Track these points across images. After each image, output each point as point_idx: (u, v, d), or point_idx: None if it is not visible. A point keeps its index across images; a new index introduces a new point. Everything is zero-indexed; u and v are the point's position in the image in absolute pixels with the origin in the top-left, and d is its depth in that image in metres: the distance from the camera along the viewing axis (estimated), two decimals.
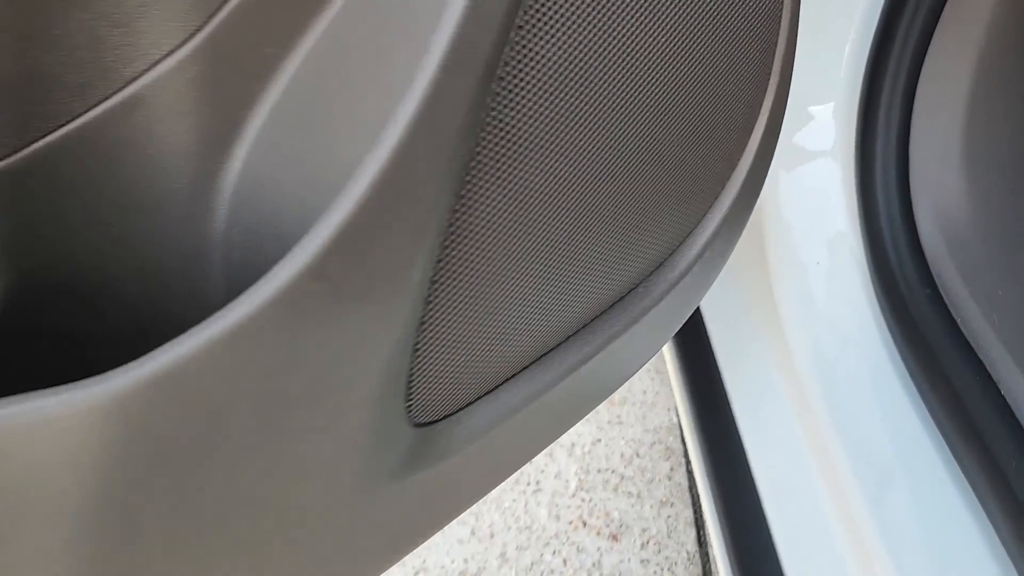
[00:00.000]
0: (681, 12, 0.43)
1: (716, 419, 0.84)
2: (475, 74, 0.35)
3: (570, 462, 1.25)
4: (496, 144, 0.38)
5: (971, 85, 0.77)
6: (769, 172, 0.83)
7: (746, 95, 0.52)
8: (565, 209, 0.43)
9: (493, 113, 0.37)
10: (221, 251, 0.43)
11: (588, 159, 0.42)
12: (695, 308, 0.64)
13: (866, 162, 0.77)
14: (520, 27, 0.36)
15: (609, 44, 0.40)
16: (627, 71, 0.42)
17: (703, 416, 0.85)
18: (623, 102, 0.43)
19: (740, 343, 0.84)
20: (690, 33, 0.45)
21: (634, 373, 0.62)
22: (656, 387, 1.36)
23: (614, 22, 0.40)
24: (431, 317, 0.39)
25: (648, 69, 0.43)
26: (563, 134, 0.40)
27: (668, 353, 0.94)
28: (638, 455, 1.26)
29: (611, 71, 0.41)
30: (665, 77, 0.44)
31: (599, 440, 1.28)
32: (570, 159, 0.41)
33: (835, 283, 0.77)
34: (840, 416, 0.71)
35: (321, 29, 0.38)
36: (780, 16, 0.52)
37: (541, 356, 0.51)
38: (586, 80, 0.40)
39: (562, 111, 0.39)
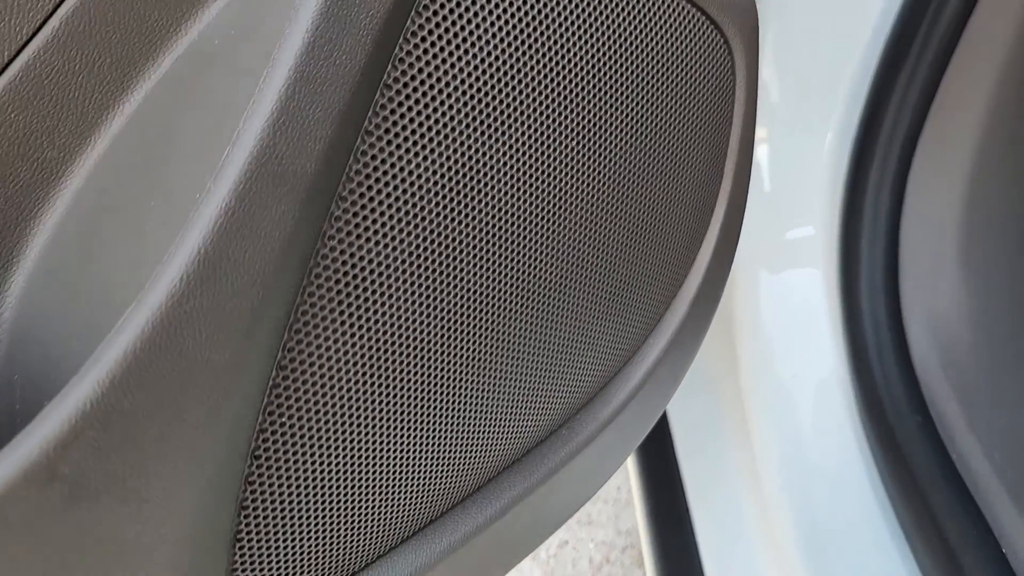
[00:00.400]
0: (592, 113, 0.34)
1: (680, 555, 0.74)
2: (294, 198, 0.26)
3: (533, 567, 1.14)
4: (336, 281, 0.29)
5: (968, 179, 0.68)
6: (749, 272, 0.74)
7: (690, 204, 0.43)
8: (442, 358, 0.34)
9: (330, 243, 0.28)
10: (5, 398, 0.33)
11: (471, 292, 0.33)
12: (640, 442, 0.54)
13: (850, 264, 0.68)
14: (360, 158, 0.28)
15: (503, 162, 0.32)
16: (533, 179, 0.34)
17: (666, 550, 0.75)
18: (523, 221, 0.34)
19: (709, 467, 0.75)
20: (612, 142, 0.36)
21: (571, 515, 0.52)
22: (632, 484, 1.25)
23: (513, 129, 0.32)
24: (247, 528, 0.30)
25: (554, 181, 0.35)
26: (428, 264, 0.31)
27: (631, 465, 0.84)
28: (608, 561, 1.15)
29: (509, 183, 0.33)
30: (575, 194, 0.35)
31: (566, 542, 1.17)
32: (438, 294, 0.32)
33: (814, 405, 0.67)
34: (819, 567, 0.61)
35: (116, 130, 0.30)
36: (731, 111, 0.43)
37: (437, 518, 0.41)
38: (460, 202, 0.31)
39: (425, 232, 0.31)
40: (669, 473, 0.79)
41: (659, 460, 0.80)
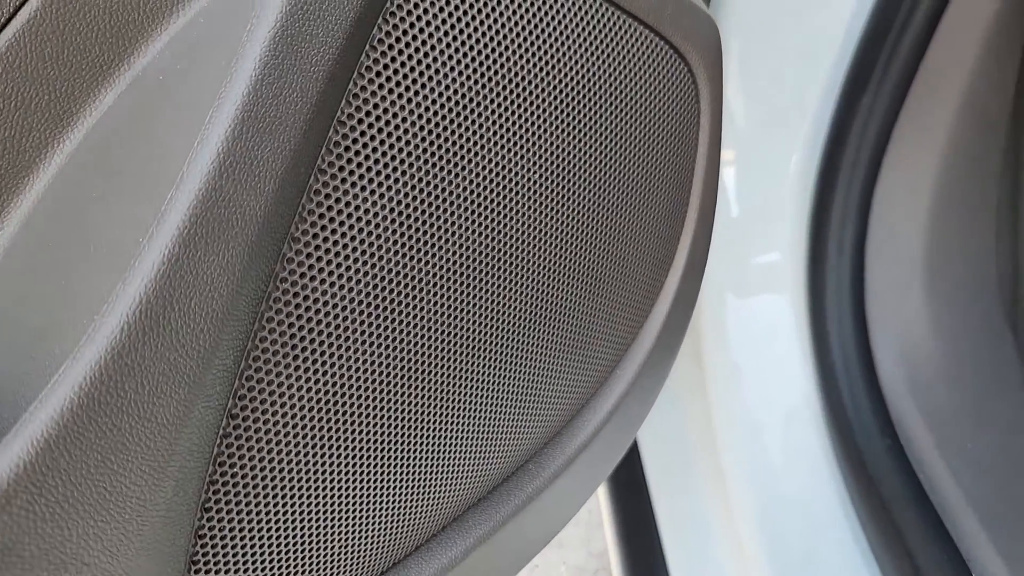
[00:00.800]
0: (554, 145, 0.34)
1: (648, 566, 0.73)
2: (242, 242, 0.25)
3: None
4: (288, 325, 0.28)
5: (931, 205, 0.69)
6: (717, 297, 0.74)
7: (655, 233, 0.42)
8: (399, 399, 0.32)
9: (283, 285, 0.27)
10: None
11: (428, 330, 0.32)
12: (609, 473, 0.53)
13: (816, 289, 0.68)
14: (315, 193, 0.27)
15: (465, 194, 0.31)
16: (489, 217, 0.33)
17: (633, 560, 0.74)
18: (487, 259, 0.33)
19: (679, 491, 0.74)
20: (576, 174, 0.35)
21: (534, 554, 0.51)
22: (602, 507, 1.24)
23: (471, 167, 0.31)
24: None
25: (514, 216, 0.34)
26: (381, 303, 0.30)
27: (601, 488, 0.83)
28: None
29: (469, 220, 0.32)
30: (538, 228, 0.34)
31: (536, 566, 1.15)
32: (395, 333, 0.31)
33: (784, 429, 0.67)
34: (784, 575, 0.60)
35: (55, 170, 0.28)
36: (696, 139, 0.43)
37: (400, 560, 0.40)
38: (415, 239, 0.30)
39: (383, 271, 0.29)
40: (639, 496, 0.78)
41: (629, 484, 0.80)
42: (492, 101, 0.31)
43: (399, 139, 0.29)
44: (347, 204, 0.28)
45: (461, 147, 0.31)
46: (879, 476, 0.62)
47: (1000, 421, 0.67)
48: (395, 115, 0.29)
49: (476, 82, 0.31)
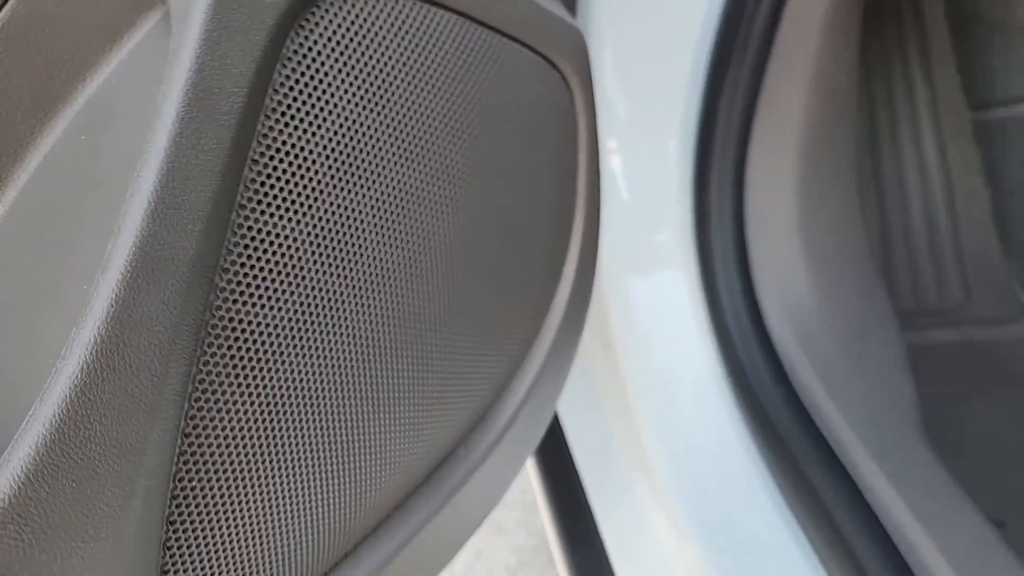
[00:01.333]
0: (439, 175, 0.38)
1: (587, 549, 0.78)
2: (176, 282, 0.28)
3: None
4: (227, 347, 0.31)
5: (797, 168, 0.76)
6: (619, 278, 0.79)
7: (547, 227, 0.47)
8: (331, 407, 0.36)
9: (218, 312, 0.31)
10: None
11: (349, 341, 0.36)
12: (535, 449, 0.58)
13: (706, 262, 0.74)
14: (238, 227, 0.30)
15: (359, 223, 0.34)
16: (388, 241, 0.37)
17: (573, 545, 0.79)
18: (389, 277, 0.37)
19: (603, 462, 0.79)
20: (463, 187, 0.39)
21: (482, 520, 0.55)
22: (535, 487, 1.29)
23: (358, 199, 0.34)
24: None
25: (411, 230, 0.38)
26: (307, 329, 0.33)
27: (532, 470, 0.88)
28: (523, 564, 1.18)
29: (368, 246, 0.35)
30: (436, 240, 0.38)
31: (480, 553, 1.20)
32: (321, 345, 0.35)
33: (692, 393, 0.72)
34: (703, 521, 0.66)
35: None
36: (575, 137, 0.47)
37: (351, 551, 0.43)
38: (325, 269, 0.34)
39: (303, 300, 0.33)
40: (568, 473, 0.83)
41: (558, 462, 0.85)
42: (381, 129, 0.35)
43: (305, 170, 0.33)
44: (266, 234, 0.32)
45: (357, 171, 0.34)
46: (777, 420, 0.69)
47: (874, 359, 0.74)
48: (300, 149, 0.32)
49: (363, 115, 0.34)
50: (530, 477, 1.02)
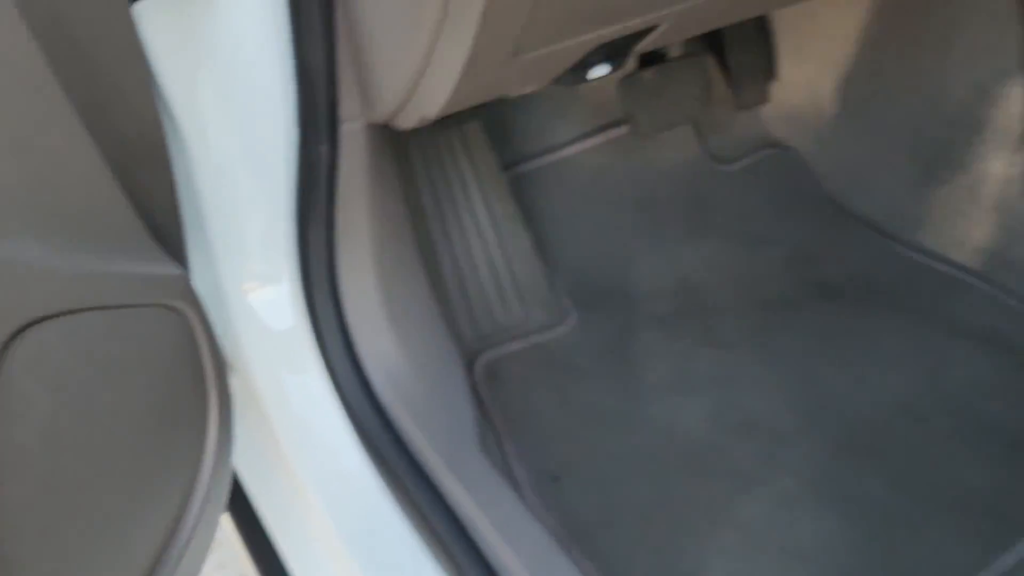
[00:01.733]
0: None
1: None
2: None
3: None
4: None
5: (375, 277, 1.08)
6: (272, 378, 1.07)
7: (184, 425, 0.74)
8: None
9: None
10: None
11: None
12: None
13: (327, 356, 1.04)
14: None
15: None
16: None
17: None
18: None
19: (280, 508, 1.08)
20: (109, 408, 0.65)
21: None
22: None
23: None
24: None
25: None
26: None
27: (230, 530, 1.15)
28: None
29: None
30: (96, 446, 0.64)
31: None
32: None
33: (325, 429, 1.03)
34: (344, 524, 0.98)
35: None
36: (197, 344, 0.74)
37: None
38: None
39: None
40: (258, 526, 1.11)
41: (248, 516, 1.12)
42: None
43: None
44: None
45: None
46: (390, 456, 1.02)
47: (446, 394, 1.10)
48: None
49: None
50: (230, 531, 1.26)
